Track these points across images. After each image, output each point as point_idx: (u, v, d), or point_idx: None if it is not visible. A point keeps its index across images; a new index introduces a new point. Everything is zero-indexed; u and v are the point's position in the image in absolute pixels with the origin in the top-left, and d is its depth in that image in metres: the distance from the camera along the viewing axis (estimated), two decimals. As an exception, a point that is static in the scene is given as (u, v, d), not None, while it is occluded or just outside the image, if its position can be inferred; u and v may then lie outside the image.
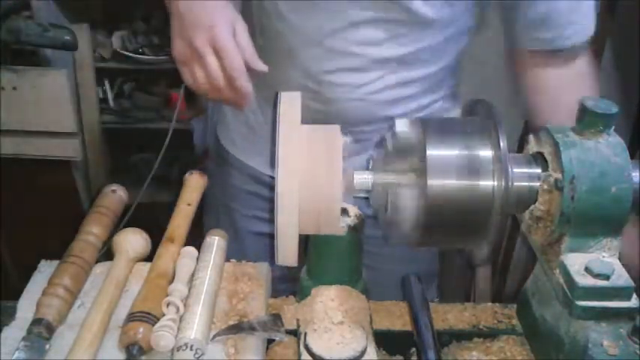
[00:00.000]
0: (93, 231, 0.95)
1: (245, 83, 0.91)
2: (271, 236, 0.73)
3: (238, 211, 1.30)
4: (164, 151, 1.12)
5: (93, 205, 1.00)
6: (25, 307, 0.86)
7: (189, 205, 1.02)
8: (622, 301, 0.74)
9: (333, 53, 1.04)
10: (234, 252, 0.98)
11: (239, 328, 0.84)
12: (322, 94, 1.07)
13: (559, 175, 0.73)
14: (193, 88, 0.94)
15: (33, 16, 1.91)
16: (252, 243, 1.26)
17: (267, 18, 1.06)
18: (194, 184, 1.02)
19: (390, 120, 0.79)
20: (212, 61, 0.89)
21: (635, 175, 0.74)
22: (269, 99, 1.09)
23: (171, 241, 0.95)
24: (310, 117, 1.04)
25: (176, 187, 1.06)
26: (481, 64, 1.99)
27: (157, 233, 0.98)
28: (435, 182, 0.71)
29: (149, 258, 0.96)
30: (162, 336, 0.79)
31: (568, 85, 1.08)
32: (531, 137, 0.81)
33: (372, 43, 1.03)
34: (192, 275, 0.90)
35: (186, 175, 1.04)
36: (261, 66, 0.92)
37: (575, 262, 0.75)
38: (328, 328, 0.85)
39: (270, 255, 0.76)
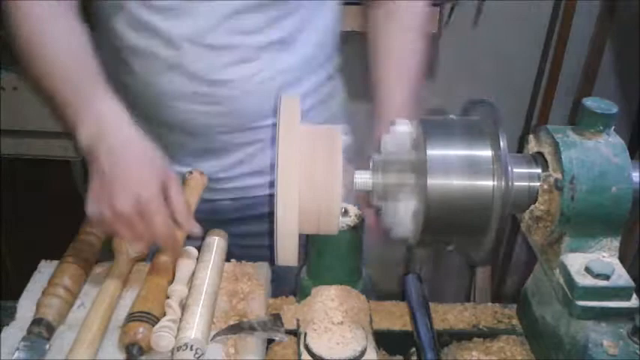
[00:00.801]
0: (93, 231, 0.95)
1: (177, 245, 0.87)
2: None
3: None
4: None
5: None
6: (25, 307, 0.86)
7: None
8: (622, 301, 0.74)
9: (217, 50, 0.99)
10: None
11: (239, 328, 0.84)
12: (215, 95, 1.01)
13: (559, 175, 0.73)
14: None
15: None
16: None
17: (138, 31, 0.97)
18: (194, 184, 1.02)
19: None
20: (139, 225, 0.82)
21: (635, 175, 0.74)
22: (162, 123, 1.04)
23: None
24: (208, 122, 1.02)
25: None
26: (480, 64, 1.99)
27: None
28: (435, 182, 0.71)
29: (149, 258, 0.96)
30: (162, 337, 0.79)
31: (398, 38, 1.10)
32: (531, 137, 0.81)
33: (253, 30, 1.00)
34: (192, 275, 0.90)
35: (186, 174, 1.04)
36: (193, 226, 0.87)
37: (575, 262, 0.75)
38: (328, 328, 0.85)
39: None
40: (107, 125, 0.84)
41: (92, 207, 0.83)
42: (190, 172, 1.03)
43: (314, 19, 1.05)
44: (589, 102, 0.76)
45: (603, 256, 0.76)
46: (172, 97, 0.98)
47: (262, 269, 0.97)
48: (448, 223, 0.73)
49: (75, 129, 0.85)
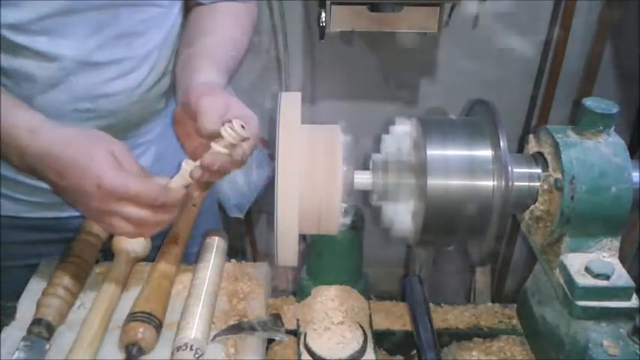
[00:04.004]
0: (93, 231, 0.95)
1: (170, 200, 0.80)
2: None
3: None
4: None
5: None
6: (25, 307, 0.86)
7: (194, 205, 1.02)
8: (622, 301, 0.74)
9: (101, 65, 0.94)
10: None
11: (239, 328, 0.84)
12: (100, 109, 0.96)
13: (559, 175, 0.73)
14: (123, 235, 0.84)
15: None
16: None
17: (12, 53, 0.89)
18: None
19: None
20: (126, 209, 0.78)
21: (635, 175, 0.74)
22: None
23: (174, 242, 0.95)
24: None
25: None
26: (481, 64, 1.99)
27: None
28: (435, 182, 0.71)
29: (149, 258, 0.96)
30: None
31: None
32: (531, 137, 0.81)
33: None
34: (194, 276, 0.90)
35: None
36: (155, 179, 0.82)
37: (575, 262, 0.75)
38: (328, 328, 0.85)
39: None
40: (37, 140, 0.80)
41: (86, 213, 0.82)
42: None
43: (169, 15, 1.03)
44: (589, 102, 0.76)
45: (603, 256, 0.76)
46: (52, 115, 0.87)
47: (262, 269, 0.97)
48: (448, 223, 0.73)
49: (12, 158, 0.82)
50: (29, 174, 0.83)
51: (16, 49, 0.88)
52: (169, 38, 1.02)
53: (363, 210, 0.89)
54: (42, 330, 0.81)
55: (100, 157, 0.78)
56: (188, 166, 0.81)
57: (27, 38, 0.87)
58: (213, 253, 0.94)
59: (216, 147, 0.79)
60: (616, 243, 0.76)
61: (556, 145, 0.74)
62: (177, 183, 0.82)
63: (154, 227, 0.82)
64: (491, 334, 0.91)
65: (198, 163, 0.80)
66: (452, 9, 1.76)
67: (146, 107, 1.04)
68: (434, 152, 0.72)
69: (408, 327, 0.91)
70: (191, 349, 0.78)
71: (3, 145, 0.82)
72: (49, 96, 0.92)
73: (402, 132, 0.78)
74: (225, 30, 1.03)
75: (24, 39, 0.87)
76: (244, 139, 0.80)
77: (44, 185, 1.02)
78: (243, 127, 0.78)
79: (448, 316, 0.94)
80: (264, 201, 2.01)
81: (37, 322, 0.82)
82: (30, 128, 0.81)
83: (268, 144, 1.87)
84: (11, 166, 0.84)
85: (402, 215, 0.75)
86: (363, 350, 0.83)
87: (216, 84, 0.89)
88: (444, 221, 0.73)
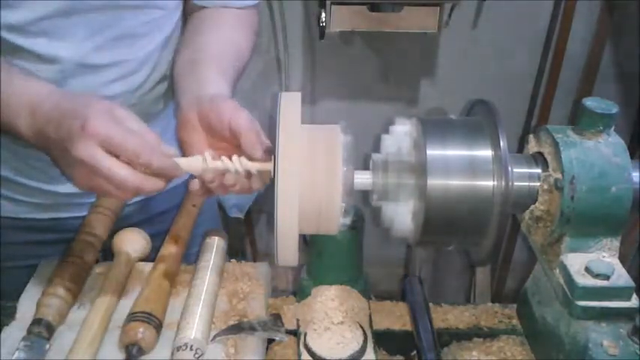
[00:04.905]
0: (93, 231, 0.95)
1: (157, 163, 0.74)
2: None
3: None
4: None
5: (93, 205, 1.00)
6: (25, 307, 0.86)
7: (194, 206, 1.02)
8: (622, 301, 0.74)
9: (101, 68, 0.94)
10: None
11: (239, 328, 0.84)
12: None
13: (559, 175, 0.73)
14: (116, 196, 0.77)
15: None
16: None
17: (11, 54, 0.88)
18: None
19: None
20: (106, 162, 0.72)
21: (635, 175, 0.74)
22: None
23: (175, 242, 0.95)
24: None
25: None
26: (480, 64, 1.99)
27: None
28: (435, 182, 0.71)
29: (149, 258, 0.96)
30: None
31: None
32: (531, 137, 0.81)
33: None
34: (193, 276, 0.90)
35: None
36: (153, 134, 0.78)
37: (575, 262, 0.75)
38: (328, 328, 0.85)
39: None
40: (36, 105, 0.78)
41: (77, 182, 0.77)
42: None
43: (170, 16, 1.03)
44: (589, 102, 0.76)
45: (603, 256, 0.76)
46: None
47: (262, 269, 0.97)
48: (448, 223, 0.73)
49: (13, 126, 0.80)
50: (35, 142, 0.80)
51: (15, 51, 0.87)
52: (170, 41, 1.02)
53: (363, 210, 0.89)
54: (42, 330, 0.81)
55: (96, 106, 0.74)
56: (208, 155, 0.76)
57: (26, 40, 0.87)
58: (213, 253, 0.94)
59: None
60: (616, 243, 0.76)
61: (556, 145, 0.74)
62: (184, 163, 0.76)
63: (133, 191, 0.74)
64: (491, 334, 0.91)
65: (217, 163, 0.75)
66: (452, 9, 1.76)
67: (145, 109, 1.04)
68: (434, 152, 0.72)
69: (408, 327, 0.91)
70: (191, 349, 0.78)
71: (15, 108, 0.79)
72: None
73: (402, 132, 0.78)
74: (229, 39, 1.02)
75: (23, 40, 0.87)
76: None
77: (44, 186, 1.02)
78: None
79: (448, 316, 0.94)
80: (264, 201, 2.01)
81: (37, 322, 0.82)
82: (48, 90, 0.79)
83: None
84: (18, 136, 0.81)
85: (402, 215, 0.75)
86: (363, 350, 0.83)
87: (229, 96, 0.87)
88: (444, 221, 0.73)
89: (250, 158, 0.75)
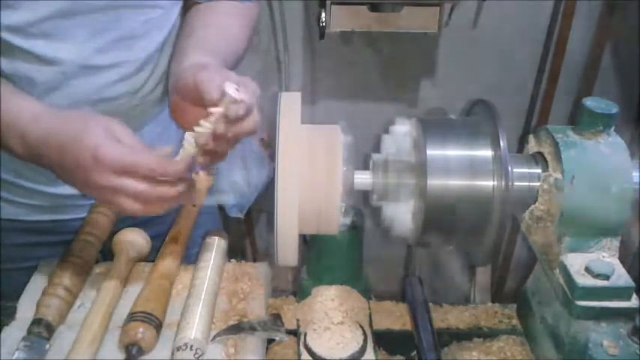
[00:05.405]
0: (93, 231, 0.95)
1: (170, 171, 0.78)
2: None
3: None
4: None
5: (93, 205, 1.00)
6: (25, 307, 0.86)
7: (194, 206, 1.02)
8: (622, 301, 0.74)
9: (102, 69, 0.94)
10: None
11: (239, 328, 0.84)
12: (100, 112, 0.89)
13: (559, 175, 0.73)
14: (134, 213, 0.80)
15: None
16: None
17: (12, 56, 0.88)
18: (199, 185, 1.01)
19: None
20: (125, 182, 0.76)
21: (635, 175, 0.74)
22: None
23: (175, 242, 0.95)
24: None
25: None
26: (480, 64, 1.99)
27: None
28: (434, 182, 0.71)
29: (149, 258, 0.96)
30: None
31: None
32: (531, 137, 0.81)
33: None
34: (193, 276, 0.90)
35: (192, 175, 1.03)
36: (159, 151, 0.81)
37: (575, 262, 0.75)
38: (328, 328, 0.85)
39: None
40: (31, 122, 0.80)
41: (90, 193, 0.80)
42: (196, 172, 1.02)
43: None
44: (589, 102, 0.76)
45: (603, 256, 0.76)
46: None
47: (262, 269, 0.97)
48: (448, 223, 0.73)
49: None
50: (31, 160, 0.83)
51: (15, 53, 0.87)
52: (170, 40, 1.02)
53: (363, 210, 0.89)
54: (42, 330, 0.81)
55: (97, 131, 0.77)
56: (190, 137, 0.79)
57: (26, 41, 0.87)
58: (213, 253, 0.94)
59: (216, 112, 0.78)
60: (616, 243, 0.76)
61: (556, 145, 0.74)
62: (181, 155, 0.80)
63: (158, 203, 0.79)
64: (491, 334, 0.91)
65: (200, 129, 0.78)
66: (452, 9, 1.75)
67: (147, 110, 1.04)
68: (434, 152, 0.72)
69: (408, 327, 0.91)
70: (191, 349, 0.78)
71: (4, 130, 0.81)
72: (49, 99, 0.91)
73: (402, 132, 0.78)
74: (222, 24, 1.02)
75: (23, 42, 0.87)
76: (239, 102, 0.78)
77: (44, 188, 1.02)
78: (237, 89, 0.77)
79: (448, 316, 0.94)
80: (264, 201, 2.01)
81: (37, 322, 0.82)
82: (32, 113, 0.81)
83: (268, 144, 1.87)
84: (12, 154, 0.83)
85: (402, 215, 0.75)
86: (363, 350, 0.83)
87: (210, 63, 0.88)
88: (444, 221, 0.73)
89: (211, 101, 0.78)
